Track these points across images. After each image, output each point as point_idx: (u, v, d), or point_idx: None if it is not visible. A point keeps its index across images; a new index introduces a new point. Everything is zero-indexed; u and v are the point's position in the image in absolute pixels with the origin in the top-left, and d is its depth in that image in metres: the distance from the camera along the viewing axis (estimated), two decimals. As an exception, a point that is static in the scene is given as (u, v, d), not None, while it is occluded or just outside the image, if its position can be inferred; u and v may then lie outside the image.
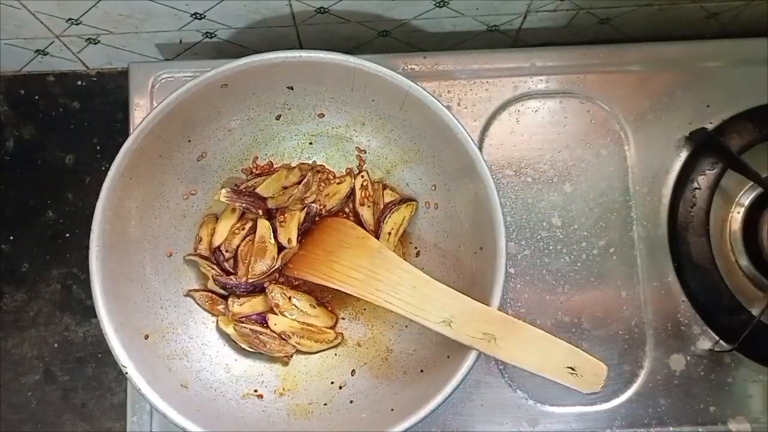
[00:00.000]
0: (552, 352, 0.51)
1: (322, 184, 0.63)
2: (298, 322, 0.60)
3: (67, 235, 0.72)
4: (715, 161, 0.65)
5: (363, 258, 0.57)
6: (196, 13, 0.64)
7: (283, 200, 0.61)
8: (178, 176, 0.60)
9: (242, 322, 0.60)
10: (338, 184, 0.63)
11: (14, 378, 0.69)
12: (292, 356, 0.61)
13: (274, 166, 0.64)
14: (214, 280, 0.61)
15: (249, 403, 0.58)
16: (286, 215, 0.61)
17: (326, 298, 0.63)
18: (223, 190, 0.59)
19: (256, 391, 0.59)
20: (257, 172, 0.63)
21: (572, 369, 0.50)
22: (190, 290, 0.61)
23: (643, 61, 0.68)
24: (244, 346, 0.60)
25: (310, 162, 0.64)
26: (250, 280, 0.60)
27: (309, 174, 0.63)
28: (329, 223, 0.62)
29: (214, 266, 0.61)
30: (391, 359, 0.60)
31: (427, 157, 0.61)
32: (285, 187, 0.62)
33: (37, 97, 0.74)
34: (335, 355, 0.62)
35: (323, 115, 0.62)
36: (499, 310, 0.53)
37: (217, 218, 0.63)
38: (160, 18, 0.65)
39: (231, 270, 0.62)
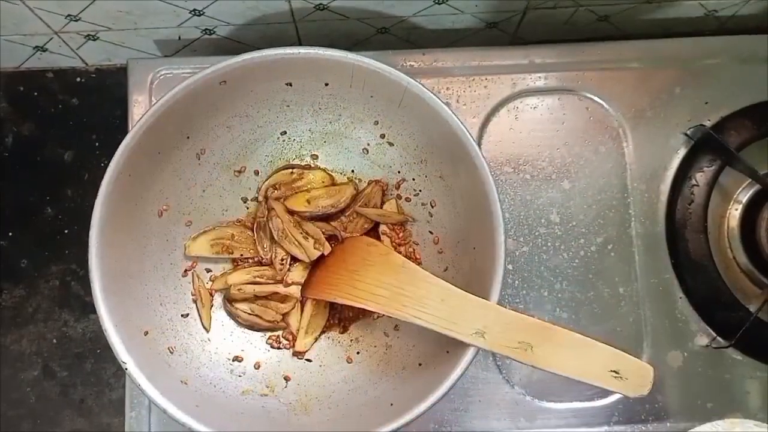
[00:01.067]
0: (593, 356, 0.49)
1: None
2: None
3: (66, 231, 0.72)
4: (713, 158, 0.65)
5: (388, 274, 0.55)
6: (195, 10, 0.64)
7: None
8: (177, 173, 0.60)
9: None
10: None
11: (13, 374, 0.69)
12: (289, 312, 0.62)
13: (275, 166, 0.64)
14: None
15: (249, 399, 0.58)
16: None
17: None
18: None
19: (255, 387, 0.59)
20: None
21: (616, 372, 0.48)
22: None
23: (642, 58, 0.68)
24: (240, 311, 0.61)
25: (309, 158, 0.64)
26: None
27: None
28: (350, 242, 0.62)
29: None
30: (390, 354, 0.60)
31: (425, 153, 0.61)
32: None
33: (36, 94, 0.74)
34: (334, 350, 0.62)
35: (322, 112, 0.62)
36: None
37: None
38: (158, 14, 0.65)
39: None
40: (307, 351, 0.62)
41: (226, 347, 0.61)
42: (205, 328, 0.61)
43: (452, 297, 0.52)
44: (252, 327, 0.62)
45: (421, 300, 0.52)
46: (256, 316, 0.61)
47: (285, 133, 0.63)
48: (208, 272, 0.63)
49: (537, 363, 0.49)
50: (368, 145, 0.63)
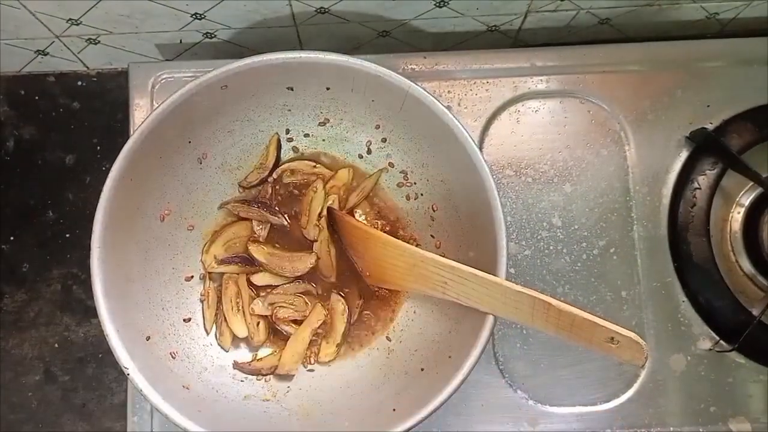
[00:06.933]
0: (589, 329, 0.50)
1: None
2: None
3: (68, 235, 0.72)
4: (715, 161, 0.65)
5: (411, 281, 0.57)
6: (196, 14, 0.64)
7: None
8: (179, 178, 0.60)
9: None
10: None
11: (14, 378, 0.69)
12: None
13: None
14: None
15: (251, 404, 0.58)
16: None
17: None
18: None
19: (257, 392, 0.59)
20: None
21: (611, 339, 0.49)
22: (224, 203, 0.63)
23: (644, 61, 0.68)
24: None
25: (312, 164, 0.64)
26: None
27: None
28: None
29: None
30: (392, 359, 0.60)
31: (427, 157, 0.61)
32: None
33: (37, 98, 0.74)
34: (336, 356, 0.62)
35: (323, 116, 0.62)
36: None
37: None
38: (160, 18, 0.65)
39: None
40: (332, 361, 0.61)
41: (228, 352, 0.61)
42: (206, 330, 0.61)
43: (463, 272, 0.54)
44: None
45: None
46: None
47: (287, 136, 0.63)
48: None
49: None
50: (370, 148, 0.63)
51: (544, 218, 0.66)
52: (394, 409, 0.55)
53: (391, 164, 0.63)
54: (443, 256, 0.57)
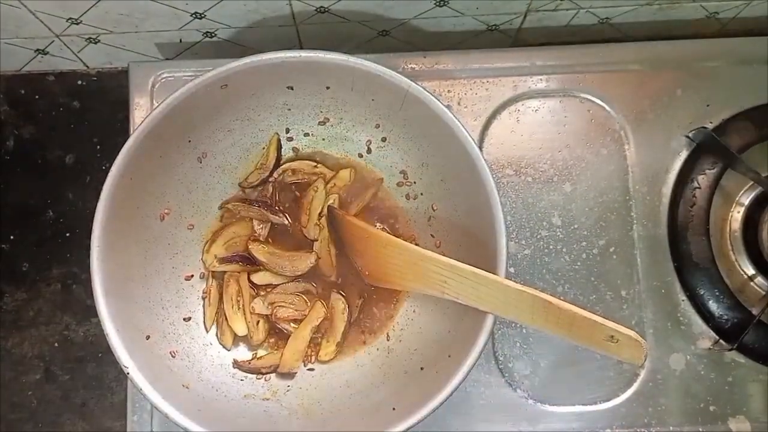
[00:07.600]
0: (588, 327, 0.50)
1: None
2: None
3: (68, 234, 0.72)
4: (715, 160, 0.65)
5: (411, 280, 0.57)
6: (196, 13, 0.64)
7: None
8: (179, 177, 0.60)
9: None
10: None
11: (14, 377, 0.69)
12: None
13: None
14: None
15: (250, 403, 0.58)
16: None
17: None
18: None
19: (257, 391, 0.59)
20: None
21: (611, 338, 0.49)
22: (224, 202, 0.63)
23: (643, 60, 0.68)
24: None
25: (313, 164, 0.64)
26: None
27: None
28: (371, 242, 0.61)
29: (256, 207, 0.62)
30: (392, 359, 0.60)
31: (427, 156, 0.61)
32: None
33: (37, 97, 0.74)
34: (337, 355, 0.62)
35: (323, 115, 0.62)
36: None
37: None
38: (160, 17, 0.65)
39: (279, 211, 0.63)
40: (332, 359, 0.61)
41: (228, 351, 0.61)
42: (206, 328, 0.61)
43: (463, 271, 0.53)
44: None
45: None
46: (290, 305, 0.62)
47: (287, 135, 0.63)
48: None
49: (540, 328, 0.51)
50: (369, 148, 0.63)
51: (543, 217, 0.66)
52: (393, 408, 0.55)
53: (390, 163, 0.63)
54: (443, 255, 0.57)
